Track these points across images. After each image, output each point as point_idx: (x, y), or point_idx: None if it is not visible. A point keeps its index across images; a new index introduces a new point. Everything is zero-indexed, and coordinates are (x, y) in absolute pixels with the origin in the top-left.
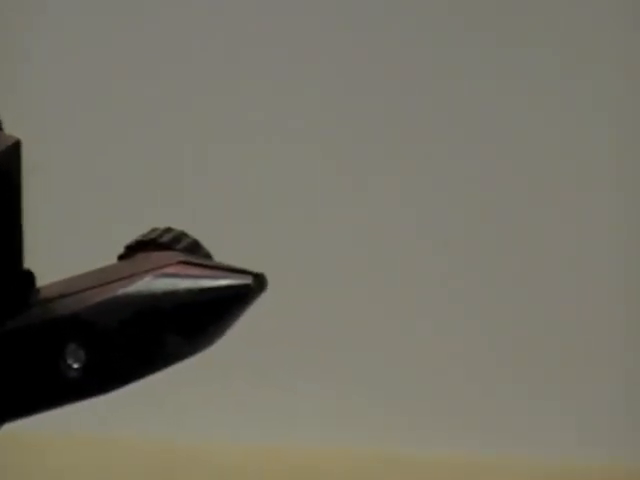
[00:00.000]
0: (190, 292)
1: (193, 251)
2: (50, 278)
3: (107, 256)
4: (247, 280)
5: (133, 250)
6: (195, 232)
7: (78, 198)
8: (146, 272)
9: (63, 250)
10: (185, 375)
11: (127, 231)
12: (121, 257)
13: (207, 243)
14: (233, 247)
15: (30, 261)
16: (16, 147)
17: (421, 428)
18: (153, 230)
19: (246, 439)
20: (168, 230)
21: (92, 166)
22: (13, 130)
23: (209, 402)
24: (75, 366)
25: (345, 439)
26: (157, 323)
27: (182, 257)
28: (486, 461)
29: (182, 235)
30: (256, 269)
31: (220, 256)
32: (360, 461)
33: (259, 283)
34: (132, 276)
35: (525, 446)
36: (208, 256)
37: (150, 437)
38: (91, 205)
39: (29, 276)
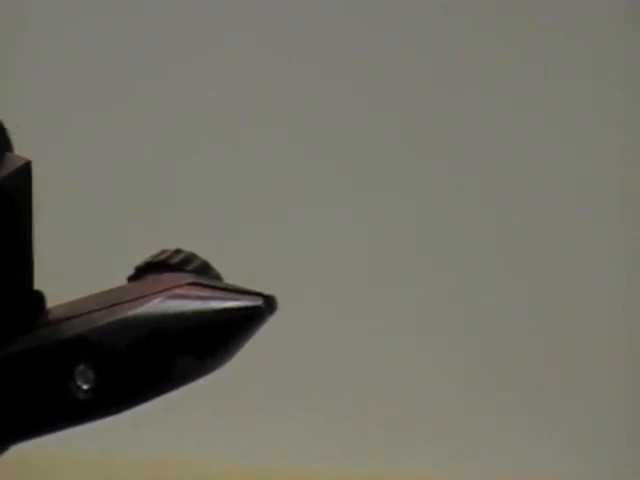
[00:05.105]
0: (200, 314)
1: (203, 272)
2: (60, 299)
3: (117, 277)
4: (257, 302)
5: (143, 271)
6: (195, 242)
7: (87, 219)
8: (156, 293)
9: (73, 271)
10: (191, 396)
11: (138, 251)
12: (131, 278)
13: (205, 254)
14: (234, 261)
15: (40, 282)
16: (26, 168)
17: (415, 450)
18: (163, 251)
19: (245, 460)
20: (178, 251)
21: (99, 184)
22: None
23: (211, 424)
24: (85, 387)
25: (341, 461)
26: (167, 345)
27: (192, 278)
28: None
29: (192, 256)
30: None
31: (220, 268)
32: None
33: (269, 305)
34: (142, 297)
35: (524, 467)
36: (218, 277)
37: (150, 458)
38: (101, 226)
39: (39, 297)
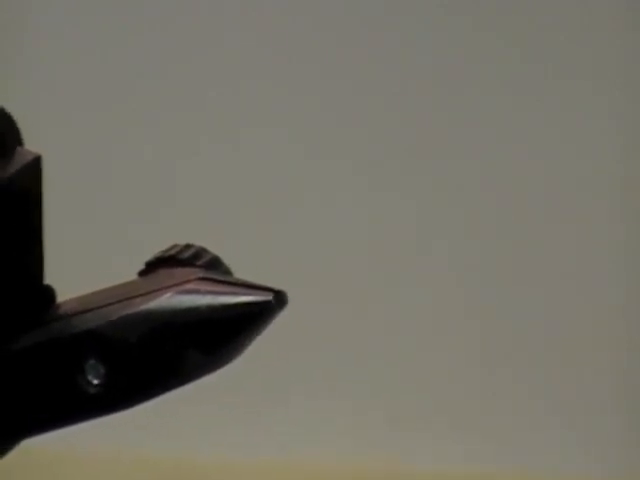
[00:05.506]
0: (210, 308)
1: (214, 267)
2: (70, 294)
3: (117, 278)
4: (268, 297)
5: (153, 266)
6: (200, 239)
7: (87, 219)
8: (166, 288)
9: (73, 272)
10: (200, 392)
11: (138, 251)
12: (141, 273)
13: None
14: (234, 261)
15: (50, 277)
16: (36, 162)
17: (432, 443)
18: (173, 246)
19: (261, 455)
20: (188, 246)
21: (99, 184)
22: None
23: (225, 419)
24: (95, 382)
25: (357, 454)
26: (177, 339)
27: (202, 273)
28: (489, 474)
29: (202, 251)
30: (268, 283)
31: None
32: (372, 476)
33: (279, 300)
34: (152, 292)
35: (526, 459)
36: (228, 272)
37: (165, 454)
38: (101, 226)
39: (49, 292)
